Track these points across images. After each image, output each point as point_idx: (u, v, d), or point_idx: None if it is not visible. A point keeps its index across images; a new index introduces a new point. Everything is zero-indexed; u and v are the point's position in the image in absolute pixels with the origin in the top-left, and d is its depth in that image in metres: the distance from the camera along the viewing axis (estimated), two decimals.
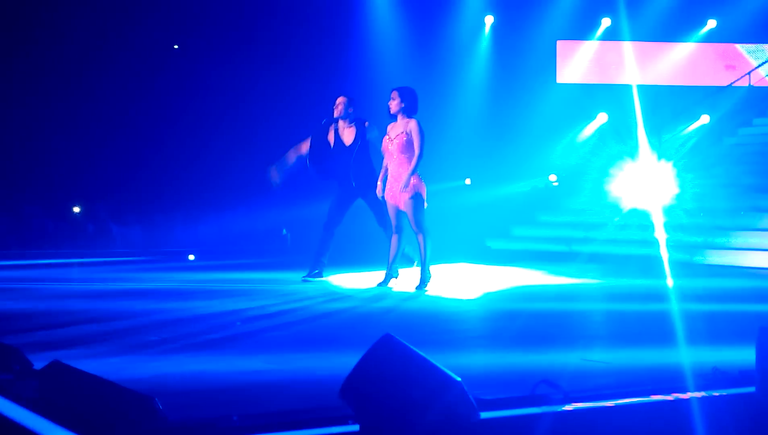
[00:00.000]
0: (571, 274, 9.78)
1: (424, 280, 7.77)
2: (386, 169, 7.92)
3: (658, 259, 10.59)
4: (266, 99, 15.28)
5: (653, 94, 15.71)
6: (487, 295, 7.59)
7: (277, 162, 8.70)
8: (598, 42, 16.91)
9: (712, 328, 5.55)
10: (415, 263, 8.40)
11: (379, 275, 8.19)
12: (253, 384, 3.72)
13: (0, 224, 14.45)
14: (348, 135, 8.43)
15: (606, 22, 16.69)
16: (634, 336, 5.32)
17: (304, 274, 8.51)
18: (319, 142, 8.49)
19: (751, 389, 3.09)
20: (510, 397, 3.06)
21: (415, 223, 7.74)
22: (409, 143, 7.73)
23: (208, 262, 11.56)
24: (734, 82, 16.35)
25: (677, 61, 16.93)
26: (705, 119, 15.88)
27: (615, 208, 12.98)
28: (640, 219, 12.36)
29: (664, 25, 16.26)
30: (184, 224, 15.22)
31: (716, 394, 3.13)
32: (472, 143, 15.20)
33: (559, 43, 16.87)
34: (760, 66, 16.51)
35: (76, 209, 15.45)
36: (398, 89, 7.89)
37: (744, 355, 3.79)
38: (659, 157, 13.60)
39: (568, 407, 2.92)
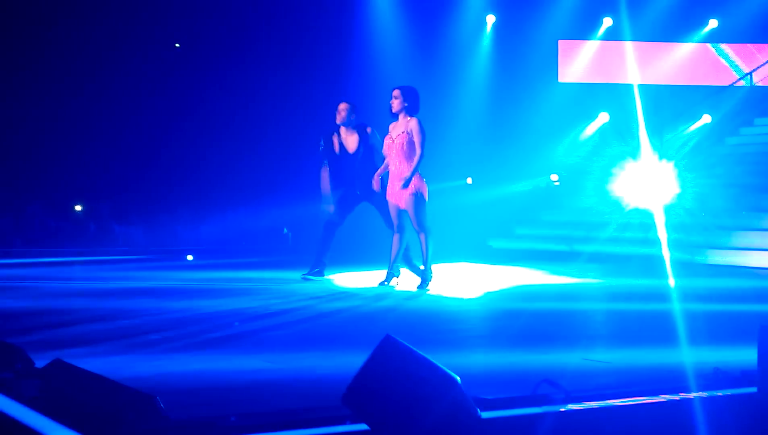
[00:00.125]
0: (572, 273, 9.78)
1: (425, 280, 7.77)
2: (386, 166, 7.92)
3: (660, 259, 10.58)
4: (269, 100, 15.28)
5: (654, 94, 15.69)
6: (489, 295, 7.59)
7: (323, 198, 8.55)
8: (599, 42, 16.90)
9: (714, 328, 5.55)
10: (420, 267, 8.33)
11: (380, 274, 8.19)
12: (254, 383, 3.73)
13: (2, 223, 14.46)
14: (351, 142, 8.40)
15: (607, 21, 16.68)
16: (636, 336, 5.32)
17: (305, 272, 8.50)
18: (331, 158, 8.45)
19: (753, 389, 3.09)
20: (511, 397, 3.06)
21: (417, 223, 7.74)
22: (410, 143, 7.73)
23: (209, 260, 11.57)
24: (735, 81, 16.34)
25: (678, 61, 16.92)
26: (706, 119, 15.87)
27: (617, 207, 12.97)
28: (642, 218, 12.35)
29: (666, 25, 16.25)
30: (186, 223, 15.23)
31: (718, 394, 3.13)
32: (474, 142, 15.19)
33: (561, 43, 16.86)
34: (761, 66, 16.49)
35: (78, 208, 15.46)
36: (400, 88, 7.88)
37: (745, 355, 3.78)
38: (661, 157, 13.58)
39: (569, 407, 2.92)
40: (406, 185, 7.66)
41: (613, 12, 16.26)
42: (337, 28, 15.46)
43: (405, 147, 7.72)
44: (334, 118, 8.44)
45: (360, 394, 2.58)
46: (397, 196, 7.80)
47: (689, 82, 16.88)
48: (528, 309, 6.70)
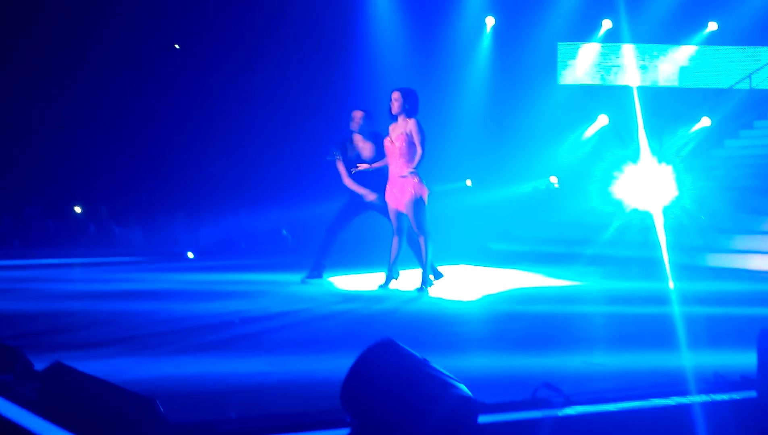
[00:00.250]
0: (572, 276, 9.77)
1: (425, 282, 7.77)
2: (386, 166, 7.93)
3: (659, 262, 10.58)
4: (268, 102, 15.29)
5: (654, 96, 15.71)
6: (488, 297, 7.59)
7: (353, 193, 8.35)
8: (598, 44, 16.90)
9: (714, 332, 5.55)
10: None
11: (379, 277, 8.19)
12: (253, 386, 3.72)
13: (2, 224, 14.46)
14: (367, 150, 8.32)
15: (607, 23, 16.69)
16: (636, 339, 5.32)
17: (304, 275, 8.50)
18: (347, 162, 8.37)
19: (753, 394, 3.09)
20: (511, 401, 3.05)
21: (417, 225, 7.74)
22: (410, 144, 7.73)
23: (208, 262, 11.56)
24: (735, 84, 16.35)
25: (678, 63, 16.93)
26: (706, 121, 15.88)
27: (616, 210, 12.97)
28: (641, 221, 12.35)
29: (665, 28, 16.27)
30: (185, 225, 15.23)
31: (717, 398, 3.13)
32: (473, 144, 15.21)
33: (560, 45, 16.87)
34: (760, 68, 16.51)
35: (78, 210, 15.46)
36: (400, 90, 7.89)
37: (745, 359, 3.78)
38: (660, 160, 13.58)
39: (569, 411, 2.91)
40: (404, 176, 7.67)
41: (612, 14, 16.28)
42: (337, 31, 15.48)
43: (404, 148, 7.73)
44: (339, 124, 8.38)
45: (353, 392, 2.58)
46: (397, 200, 7.80)
47: (688, 84, 16.89)
48: (528, 312, 6.69)
